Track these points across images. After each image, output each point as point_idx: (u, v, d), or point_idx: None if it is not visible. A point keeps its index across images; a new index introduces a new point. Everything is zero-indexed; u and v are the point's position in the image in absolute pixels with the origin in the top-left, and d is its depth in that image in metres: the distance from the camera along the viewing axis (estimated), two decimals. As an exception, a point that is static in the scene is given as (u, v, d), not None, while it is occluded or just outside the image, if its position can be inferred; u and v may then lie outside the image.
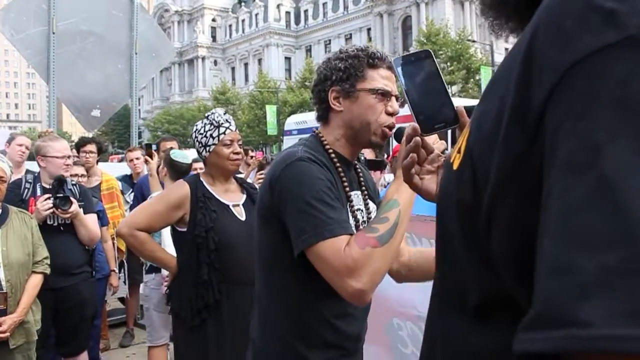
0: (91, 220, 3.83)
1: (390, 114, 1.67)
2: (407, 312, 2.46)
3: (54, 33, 5.33)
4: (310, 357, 1.59)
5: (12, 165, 4.69)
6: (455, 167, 0.65)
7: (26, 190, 3.77)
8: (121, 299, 6.00)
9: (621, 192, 0.41)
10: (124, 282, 5.26)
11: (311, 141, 1.71)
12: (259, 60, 65.25)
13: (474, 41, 36.63)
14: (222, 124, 2.77)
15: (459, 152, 0.65)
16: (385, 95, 1.66)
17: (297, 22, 65.79)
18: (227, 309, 2.64)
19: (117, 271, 4.75)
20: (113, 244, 4.73)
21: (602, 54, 0.45)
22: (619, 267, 0.40)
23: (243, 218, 2.79)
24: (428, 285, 2.46)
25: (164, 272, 3.43)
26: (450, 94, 1.16)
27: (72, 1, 5.52)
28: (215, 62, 70.94)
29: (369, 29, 56.51)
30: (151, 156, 4.45)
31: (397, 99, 1.69)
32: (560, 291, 0.42)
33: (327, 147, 1.69)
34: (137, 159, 5.42)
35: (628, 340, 0.39)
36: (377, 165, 3.81)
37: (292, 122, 20.43)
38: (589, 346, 0.40)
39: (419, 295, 2.41)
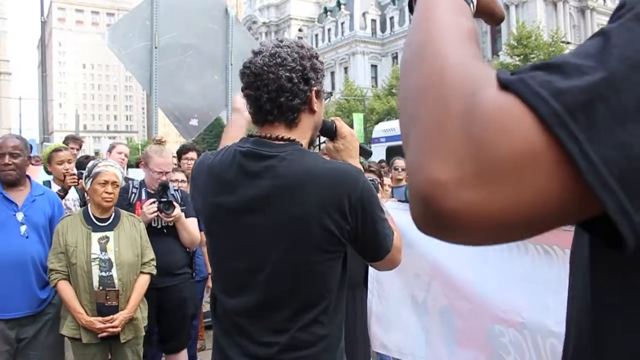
0: (192, 223, 4.01)
1: None
2: (510, 318, 2.39)
3: (156, 47, 5.64)
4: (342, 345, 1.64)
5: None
6: None
7: (133, 194, 4.00)
8: (216, 301, 6.20)
9: None
10: (220, 284, 5.43)
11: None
12: (345, 69, 65.51)
13: (568, 42, 35.09)
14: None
15: None
16: None
17: (383, 29, 65.50)
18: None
19: (213, 274, 4.92)
20: (210, 247, 4.91)
21: None
22: None
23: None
24: (534, 291, 2.35)
25: None
26: None
27: (172, 17, 5.82)
28: (302, 72, 71.87)
29: (456, 34, 55.28)
30: None
31: None
32: None
33: None
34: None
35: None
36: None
37: (380, 129, 20.17)
38: None
39: (523, 301, 2.35)
